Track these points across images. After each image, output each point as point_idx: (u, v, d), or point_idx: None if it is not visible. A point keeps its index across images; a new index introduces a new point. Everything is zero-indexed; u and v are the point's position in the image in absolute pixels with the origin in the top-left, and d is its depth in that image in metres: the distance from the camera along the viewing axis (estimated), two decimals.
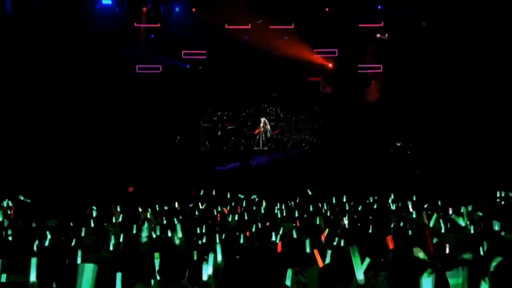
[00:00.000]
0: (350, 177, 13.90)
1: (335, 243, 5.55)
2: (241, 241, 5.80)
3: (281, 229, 6.46)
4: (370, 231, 6.21)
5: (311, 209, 8.94)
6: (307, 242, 4.71)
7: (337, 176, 14.04)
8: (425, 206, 8.55)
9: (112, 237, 6.16)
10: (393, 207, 9.20)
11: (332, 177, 13.94)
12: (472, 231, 6.12)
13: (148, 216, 8.46)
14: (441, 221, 6.55)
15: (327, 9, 15.33)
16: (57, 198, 10.80)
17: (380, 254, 4.33)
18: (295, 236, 6.00)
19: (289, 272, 3.03)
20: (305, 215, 8.11)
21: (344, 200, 10.26)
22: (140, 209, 9.16)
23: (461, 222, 6.27)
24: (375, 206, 9.59)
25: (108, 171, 13.94)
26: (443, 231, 6.39)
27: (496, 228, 5.79)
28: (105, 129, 15.40)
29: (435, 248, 4.89)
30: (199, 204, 10.16)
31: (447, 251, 4.81)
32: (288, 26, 15.43)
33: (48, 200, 10.43)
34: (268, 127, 16.58)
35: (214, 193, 11.77)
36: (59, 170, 13.30)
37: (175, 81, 15.92)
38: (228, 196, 11.46)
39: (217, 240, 5.80)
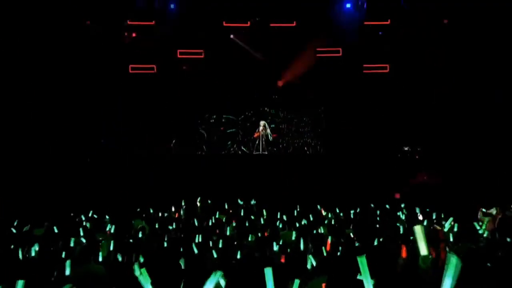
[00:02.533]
0: (354, 184, 13.88)
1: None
2: (239, 252, 5.75)
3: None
4: (376, 241, 6.17)
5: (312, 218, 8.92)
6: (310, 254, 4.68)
7: (341, 182, 14.01)
8: (434, 215, 8.51)
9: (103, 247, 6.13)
10: (402, 216, 9.15)
11: (335, 183, 13.90)
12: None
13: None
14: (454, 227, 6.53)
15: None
16: (45, 205, 10.74)
17: (388, 264, 4.30)
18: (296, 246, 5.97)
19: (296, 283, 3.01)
20: (307, 224, 8.09)
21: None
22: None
23: (480, 229, 6.25)
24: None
25: (100, 176, 13.89)
26: (451, 239, 6.37)
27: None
28: (96, 133, 15.36)
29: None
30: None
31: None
32: (289, 24, 15.40)
33: (35, 207, 10.37)
34: (269, 130, 16.55)
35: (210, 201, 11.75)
36: (47, 175, 13.23)
37: (171, 81, 15.88)
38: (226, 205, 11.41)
39: (213, 252, 5.77)
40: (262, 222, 9.09)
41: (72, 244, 6.37)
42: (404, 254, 5.11)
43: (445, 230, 6.05)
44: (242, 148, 16.60)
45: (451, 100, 14.68)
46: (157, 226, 8.13)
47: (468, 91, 14.41)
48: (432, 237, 5.81)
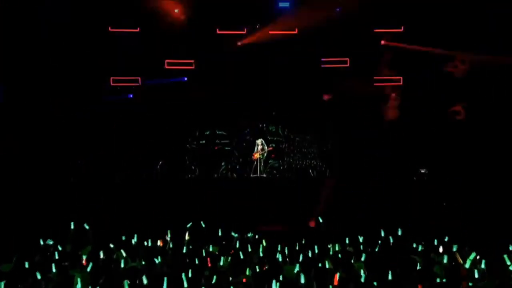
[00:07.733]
0: (365, 210, 13.82)
1: None
2: None
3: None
4: (390, 276, 6.14)
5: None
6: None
7: (349, 208, 13.95)
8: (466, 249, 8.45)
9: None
10: (419, 248, 9.10)
11: (343, 209, 13.84)
12: None
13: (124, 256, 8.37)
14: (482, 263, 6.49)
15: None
16: (13, 237, 10.65)
17: None
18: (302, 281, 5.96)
19: None
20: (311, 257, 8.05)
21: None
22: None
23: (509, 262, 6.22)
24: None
25: (76, 202, 13.79)
26: (476, 276, 6.32)
27: None
28: (72, 153, 15.31)
29: None
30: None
31: None
32: (291, 31, 15.51)
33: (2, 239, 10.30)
34: (266, 148, 16.50)
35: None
36: (15, 202, 13.15)
37: (157, 95, 15.90)
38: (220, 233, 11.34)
39: None
40: (260, 254, 9.03)
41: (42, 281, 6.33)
42: None
43: (467, 266, 5.99)
44: (238, 167, 16.57)
45: (474, 116, 14.69)
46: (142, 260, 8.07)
47: (493, 106, 14.43)
48: (452, 272, 5.79)
